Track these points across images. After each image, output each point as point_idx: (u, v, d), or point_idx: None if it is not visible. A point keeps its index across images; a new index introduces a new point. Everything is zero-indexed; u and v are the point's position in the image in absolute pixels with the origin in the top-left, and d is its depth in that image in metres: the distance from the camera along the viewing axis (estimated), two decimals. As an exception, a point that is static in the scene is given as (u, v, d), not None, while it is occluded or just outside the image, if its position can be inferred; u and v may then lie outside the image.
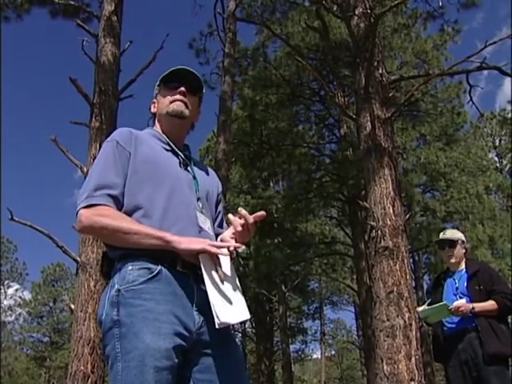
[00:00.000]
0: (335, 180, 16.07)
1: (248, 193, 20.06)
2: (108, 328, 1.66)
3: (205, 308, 1.68)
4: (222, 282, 1.72)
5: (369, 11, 8.15)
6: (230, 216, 1.87)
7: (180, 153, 1.98)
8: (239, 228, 1.81)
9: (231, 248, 1.75)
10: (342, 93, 16.68)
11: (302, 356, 37.52)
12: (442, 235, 4.52)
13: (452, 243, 4.39)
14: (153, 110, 2.07)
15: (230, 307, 1.68)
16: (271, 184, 21.45)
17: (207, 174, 2.10)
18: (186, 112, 1.98)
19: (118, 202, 1.78)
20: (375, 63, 7.99)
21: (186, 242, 1.68)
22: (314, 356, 45.73)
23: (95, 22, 8.66)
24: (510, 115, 27.82)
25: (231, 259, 1.84)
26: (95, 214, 1.72)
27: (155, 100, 2.06)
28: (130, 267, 1.70)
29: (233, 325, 1.71)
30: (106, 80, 7.86)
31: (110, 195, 1.77)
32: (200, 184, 1.96)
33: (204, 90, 2.10)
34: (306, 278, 24.30)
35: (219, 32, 14.24)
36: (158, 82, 2.06)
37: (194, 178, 1.96)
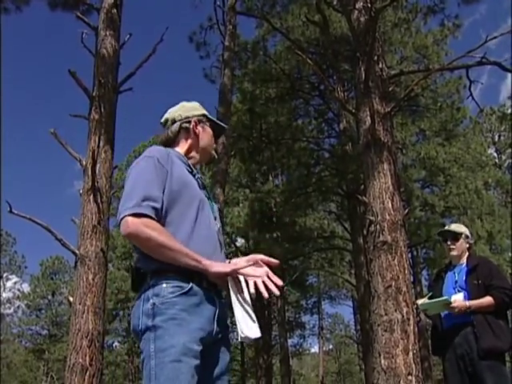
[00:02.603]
0: (334, 174, 16.08)
1: (247, 187, 20.07)
2: (143, 334, 1.86)
3: (222, 319, 1.97)
4: (245, 301, 1.96)
5: (369, 5, 8.13)
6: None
7: (197, 174, 2.17)
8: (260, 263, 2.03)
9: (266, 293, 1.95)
10: (341, 87, 16.66)
11: (300, 350, 37.63)
12: (446, 227, 4.51)
13: (455, 236, 4.37)
14: (196, 129, 2.25)
15: (251, 324, 1.91)
16: (270, 178, 21.43)
17: (213, 197, 2.27)
18: None
19: (159, 215, 1.93)
20: (375, 58, 7.97)
21: (217, 266, 1.91)
22: (312, 350, 45.90)
23: (95, 15, 8.62)
24: (509, 111, 27.84)
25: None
26: (143, 224, 1.86)
27: (200, 125, 2.27)
28: (165, 285, 1.88)
29: (252, 339, 1.91)
30: (105, 73, 7.84)
31: (154, 208, 1.91)
32: (213, 204, 2.18)
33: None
34: (305, 272, 24.33)
35: (219, 25, 14.22)
36: (203, 110, 2.31)
37: (209, 198, 2.16)
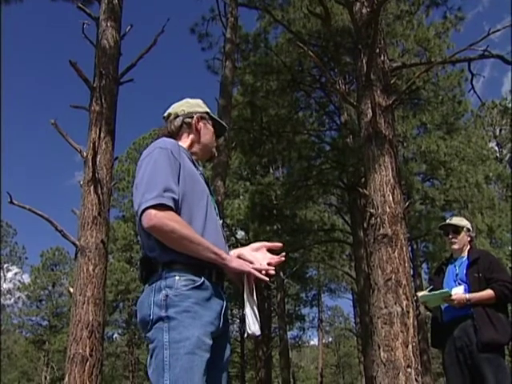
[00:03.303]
0: (335, 167, 16.05)
1: (248, 179, 20.09)
2: (155, 323, 1.87)
3: (226, 314, 2.02)
4: (254, 299, 2.02)
5: (371, -3, 8.09)
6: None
7: (200, 169, 2.20)
8: (264, 250, 2.11)
9: (271, 272, 2.01)
10: (343, 80, 16.60)
11: (300, 343, 37.73)
12: (448, 221, 4.50)
13: (456, 229, 4.37)
14: (197, 125, 2.27)
15: (256, 321, 1.98)
16: (271, 170, 21.44)
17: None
18: None
19: (177, 207, 1.95)
20: (377, 50, 7.93)
21: (237, 263, 1.97)
22: (312, 343, 46.11)
23: (96, 5, 8.59)
24: (510, 105, 27.77)
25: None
26: (167, 217, 1.86)
27: (202, 121, 2.28)
28: (178, 277, 1.90)
29: (256, 336, 2.01)
30: (106, 64, 7.83)
31: (174, 199, 1.92)
32: (214, 200, 2.20)
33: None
34: (305, 264, 24.38)
35: (221, 17, 14.17)
36: (206, 108, 2.33)
37: (211, 194, 2.19)
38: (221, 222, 2.16)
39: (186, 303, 1.85)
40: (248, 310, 1.97)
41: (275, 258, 2.06)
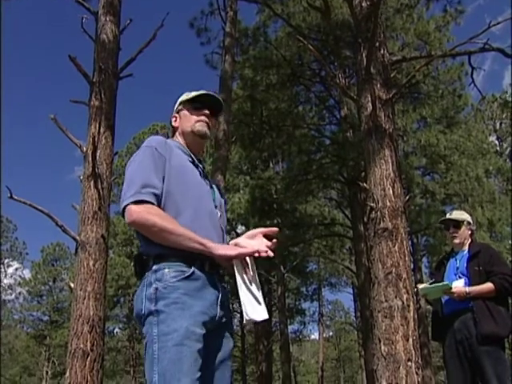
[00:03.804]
0: (335, 161, 16.03)
1: (247, 173, 20.07)
2: (146, 318, 1.89)
3: (226, 303, 2.01)
4: (251, 283, 1.97)
5: (371, -9, 8.05)
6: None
7: (200, 165, 2.21)
8: (260, 236, 2.07)
9: (263, 254, 1.94)
10: (342, 74, 16.56)
11: (300, 337, 37.80)
12: (448, 215, 4.50)
13: (457, 223, 4.37)
14: (174, 123, 2.29)
15: (257, 306, 1.92)
16: (271, 165, 21.42)
17: (217, 187, 2.32)
18: (208, 133, 2.24)
19: (159, 201, 1.98)
20: (377, 44, 7.90)
21: (223, 249, 1.93)
22: (312, 337, 46.24)
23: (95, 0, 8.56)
24: (510, 98, 27.72)
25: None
26: (146, 211, 1.91)
27: (176, 115, 2.29)
28: (167, 269, 1.91)
29: (257, 322, 1.93)
30: (105, 58, 7.80)
31: (154, 194, 1.96)
32: (215, 194, 2.22)
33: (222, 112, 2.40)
34: (305, 259, 24.39)
35: (220, 11, 14.11)
36: (180, 99, 2.28)
37: (211, 188, 2.21)
38: (219, 214, 2.16)
39: (175, 294, 1.86)
40: (243, 296, 1.91)
41: (270, 244, 2.04)
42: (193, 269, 1.92)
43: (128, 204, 1.92)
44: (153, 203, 1.93)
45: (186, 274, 1.90)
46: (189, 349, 1.78)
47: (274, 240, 2.04)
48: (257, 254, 1.93)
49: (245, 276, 1.96)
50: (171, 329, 1.81)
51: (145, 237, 1.95)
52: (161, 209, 1.96)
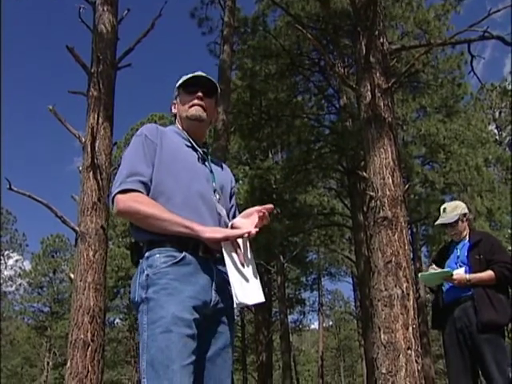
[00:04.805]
0: (334, 151, 16.01)
1: (247, 163, 20.05)
2: (138, 306, 1.89)
3: (221, 287, 1.95)
4: (243, 265, 1.92)
5: (370, -21, 8.01)
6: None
7: (199, 149, 2.17)
8: (255, 215, 2.00)
9: (252, 234, 1.90)
10: (342, 63, 16.52)
11: (300, 326, 37.93)
12: (441, 216, 4.46)
13: (452, 224, 4.38)
14: (173, 110, 2.29)
15: (249, 289, 1.87)
16: (270, 155, 21.40)
17: (222, 169, 2.30)
18: (204, 115, 2.19)
19: (147, 188, 1.98)
20: (376, 32, 7.88)
21: (210, 232, 1.88)
22: (312, 326, 46.42)
23: (92, -11, 8.49)
24: (510, 87, 27.66)
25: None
26: (130, 199, 1.92)
27: (175, 101, 2.28)
28: (158, 255, 1.90)
29: (249, 306, 1.81)
30: (103, 49, 7.76)
31: (141, 181, 1.96)
32: (216, 177, 2.16)
33: (219, 91, 2.28)
34: (305, 248, 24.41)
35: (220, 0, 14.04)
36: (177, 85, 2.26)
37: (211, 171, 2.16)
38: (218, 197, 2.10)
39: (164, 280, 1.84)
40: (234, 279, 1.85)
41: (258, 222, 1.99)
42: (184, 253, 1.90)
43: (115, 195, 1.94)
44: (139, 191, 1.94)
45: (177, 259, 1.89)
46: (177, 335, 1.75)
47: (267, 207, 1.98)
48: (246, 235, 1.90)
49: (236, 258, 1.91)
50: (158, 316, 1.79)
51: (135, 225, 1.96)
52: (150, 195, 1.96)
